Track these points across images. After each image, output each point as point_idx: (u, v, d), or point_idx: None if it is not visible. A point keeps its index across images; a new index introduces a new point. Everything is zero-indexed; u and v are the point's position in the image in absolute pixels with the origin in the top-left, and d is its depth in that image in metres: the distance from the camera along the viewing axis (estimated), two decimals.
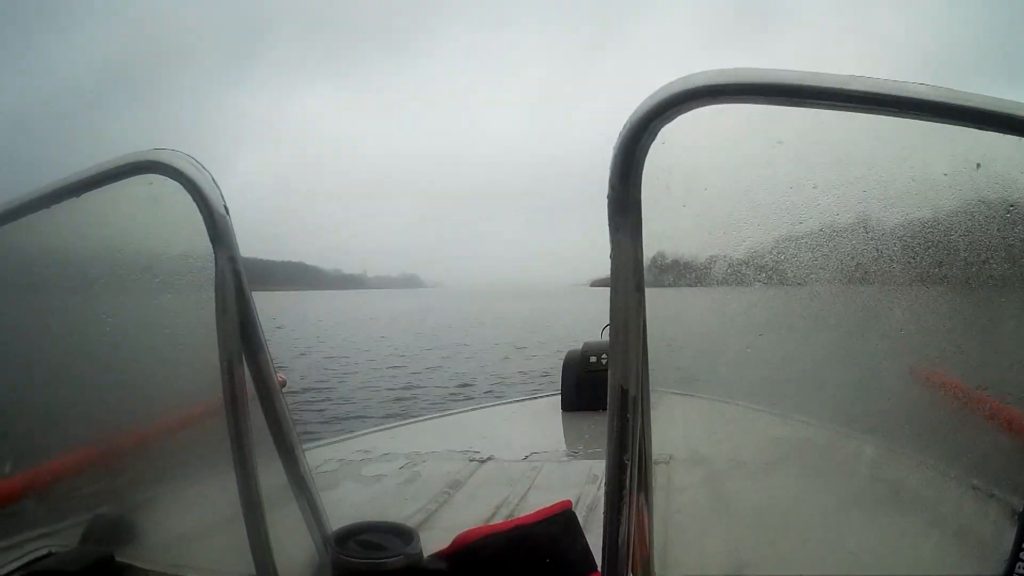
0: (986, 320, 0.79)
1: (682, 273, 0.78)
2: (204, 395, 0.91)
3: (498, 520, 1.42)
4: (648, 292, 0.70)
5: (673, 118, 0.65)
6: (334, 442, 2.36)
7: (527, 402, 3.32)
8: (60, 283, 1.06)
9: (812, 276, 0.76)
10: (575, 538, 0.89)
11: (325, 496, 0.96)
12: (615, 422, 0.71)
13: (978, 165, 0.70)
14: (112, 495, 1.14)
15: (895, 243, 0.74)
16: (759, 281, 0.77)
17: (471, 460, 2.00)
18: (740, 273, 0.76)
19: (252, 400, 0.88)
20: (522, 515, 0.93)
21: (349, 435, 2.51)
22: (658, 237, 0.71)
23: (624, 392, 0.70)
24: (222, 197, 0.85)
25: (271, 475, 0.90)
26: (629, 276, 0.68)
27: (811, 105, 0.66)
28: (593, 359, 2.96)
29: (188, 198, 0.85)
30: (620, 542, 0.74)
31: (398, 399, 9.55)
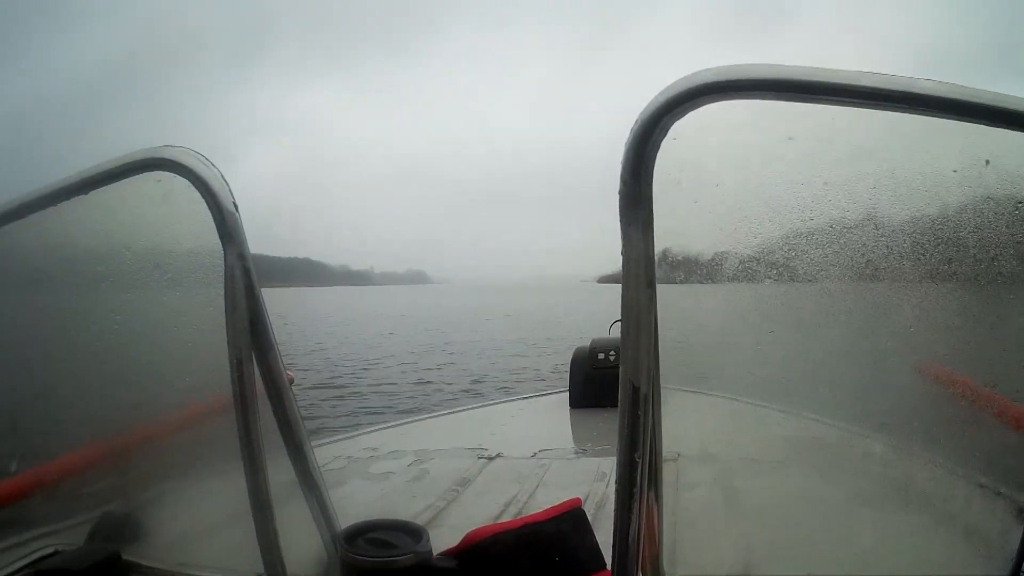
0: (995, 318, 0.79)
1: (692, 269, 0.78)
2: (213, 392, 0.91)
3: (507, 517, 1.42)
4: (659, 288, 0.70)
5: (684, 114, 0.65)
6: (341, 439, 2.35)
7: (535, 399, 3.30)
8: (69, 281, 1.06)
9: (822, 273, 0.76)
10: (584, 536, 0.89)
11: (333, 493, 0.96)
12: (626, 419, 0.71)
13: (987, 162, 0.70)
14: (119, 493, 1.14)
15: (905, 240, 0.74)
16: (769, 277, 0.77)
17: (479, 457, 1.99)
18: (750, 269, 0.77)
19: (261, 397, 0.88)
20: (531, 513, 0.93)
21: (356, 432, 2.51)
22: (669, 233, 0.71)
23: (635, 389, 0.70)
24: (231, 194, 0.85)
25: (280, 473, 0.90)
26: (640, 272, 0.68)
27: (822, 101, 0.66)
28: (601, 356, 2.94)
29: (197, 195, 0.85)
30: (630, 540, 0.74)
31: (411, 397, 9.55)
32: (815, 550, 0.83)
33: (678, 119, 0.66)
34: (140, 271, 0.99)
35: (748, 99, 0.66)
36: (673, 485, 0.82)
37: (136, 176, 0.88)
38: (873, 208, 0.74)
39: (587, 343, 3.07)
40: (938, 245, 0.74)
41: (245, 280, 0.84)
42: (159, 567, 1.04)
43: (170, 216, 0.91)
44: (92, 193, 0.92)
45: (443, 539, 0.93)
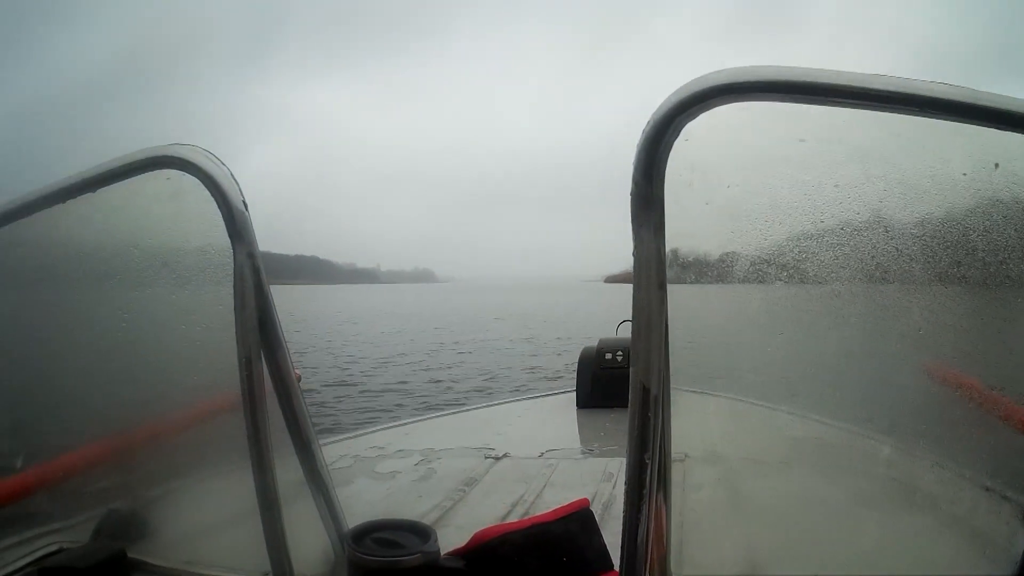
0: (1003, 321, 0.79)
1: (703, 270, 0.78)
2: (221, 390, 0.91)
3: (514, 517, 1.42)
4: (669, 289, 0.70)
5: (696, 115, 0.66)
6: (348, 438, 2.35)
7: (542, 399, 3.30)
8: (76, 278, 1.06)
9: (832, 274, 0.76)
10: (592, 536, 0.89)
11: (339, 492, 0.96)
12: (636, 420, 0.71)
13: (996, 165, 0.71)
14: (126, 490, 1.13)
15: (914, 242, 0.74)
16: (779, 279, 0.77)
17: (486, 457, 1.99)
18: (761, 271, 0.77)
19: (269, 396, 0.88)
20: (538, 513, 0.93)
21: (363, 431, 2.51)
22: (680, 234, 0.71)
23: (646, 390, 0.70)
24: (240, 192, 0.85)
25: (287, 471, 0.90)
26: (652, 273, 0.69)
27: (834, 103, 0.66)
28: (608, 356, 2.94)
29: (206, 193, 0.85)
30: (639, 540, 0.74)
31: (425, 396, 9.56)
32: (822, 551, 0.83)
33: (690, 120, 0.66)
34: (148, 269, 0.99)
35: (761, 101, 0.66)
36: (680, 486, 0.83)
37: (145, 174, 0.88)
38: (883, 211, 0.74)
39: (594, 343, 3.08)
40: (947, 248, 0.74)
41: (254, 278, 0.84)
42: (165, 565, 1.04)
43: (179, 214, 0.91)
44: (100, 191, 0.92)
45: (450, 539, 0.93)
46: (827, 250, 0.75)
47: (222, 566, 1.02)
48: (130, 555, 1.04)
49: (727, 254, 0.79)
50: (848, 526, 0.84)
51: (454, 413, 3.11)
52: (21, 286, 1.10)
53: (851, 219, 0.75)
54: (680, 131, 0.66)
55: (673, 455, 0.77)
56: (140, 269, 1.00)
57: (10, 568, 1.04)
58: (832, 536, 0.84)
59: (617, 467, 1.80)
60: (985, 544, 0.82)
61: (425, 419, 2.90)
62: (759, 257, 0.77)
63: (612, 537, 0.83)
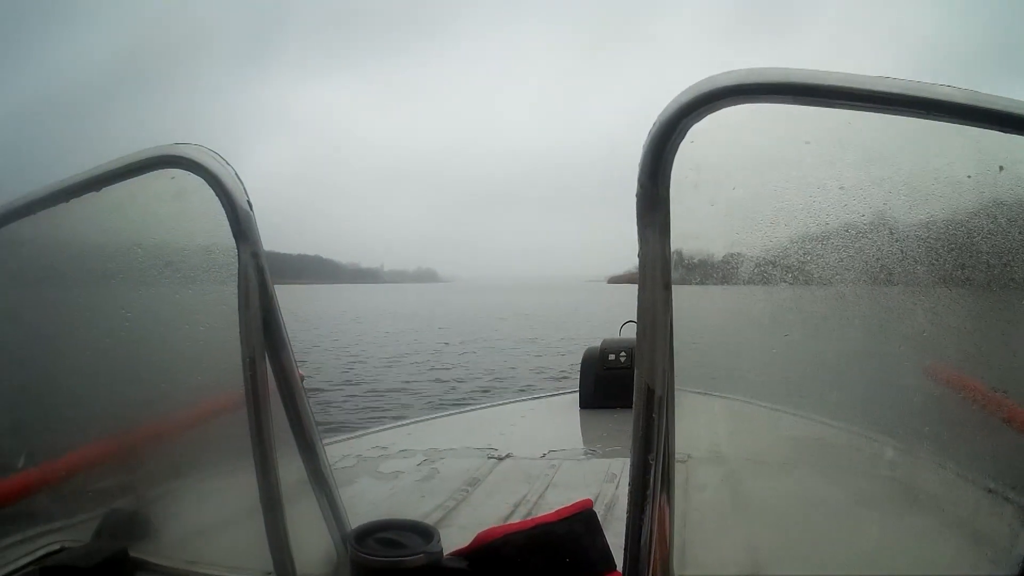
0: (1006, 323, 0.79)
1: (708, 272, 0.78)
2: (224, 390, 0.91)
3: (517, 518, 1.42)
4: (673, 290, 0.70)
5: (703, 117, 0.66)
6: (351, 438, 2.35)
7: (545, 399, 3.31)
8: (80, 278, 1.06)
9: (836, 276, 0.76)
10: (595, 537, 0.89)
11: (343, 492, 0.96)
12: (641, 421, 0.71)
13: (1001, 168, 0.71)
14: (128, 490, 1.13)
15: (918, 244, 0.75)
16: (784, 280, 0.77)
17: (489, 457, 1.99)
18: (765, 272, 0.77)
19: (272, 395, 0.88)
20: (541, 513, 0.93)
21: (366, 431, 2.51)
22: (685, 235, 0.71)
23: (650, 391, 0.70)
24: (245, 192, 0.85)
25: (290, 471, 0.90)
26: (657, 275, 0.69)
27: (840, 106, 0.66)
28: (612, 356, 2.94)
29: (211, 192, 0.85)
30: (642, 541, 0.74)
31: (431, 396, 9.58)
32: (825, 553, 0.83)
33: (696, 122, 0.66)
34: (152, 268, 0.99)
35: (767, 103, 0.66)
36: (684, 487, 0.83)
37: (150, 173, 0.88)
38: (887, 212, 0.74)
39: (598, 344, 3.08)
40: (951, 250, 0.74)
41: (258, 278, 0.84)
42: (167, 565, 1.04)
43: (183, 213, 0.91)
44: (105, 190, 0.92)
45: (453, 539, 0.93)
46: (831, 252, 0.76)
47: (224, 566, 1.02)
48: (132, 554, 1.04)
49: (732, 255, 0.79)
50: (851, 527, 0.84)
51: (457, 413, 3.11)
52: (25, 285, 1.10)
53: (856, 221, 0.75)
54: (686, 132, 0.66)
55: (677, 456, 0.77)
56: (144, 268, 1.00)
57: (12, 567, 1.04)
58: (835, 537, 0.84)
59: (620, 468, 1.80)
60: (987, 546, 0.82)
61: (428, 419, 2.90)
62: (764, 258, 0.77)
63: (615, 538, 0.83)
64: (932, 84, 0.66)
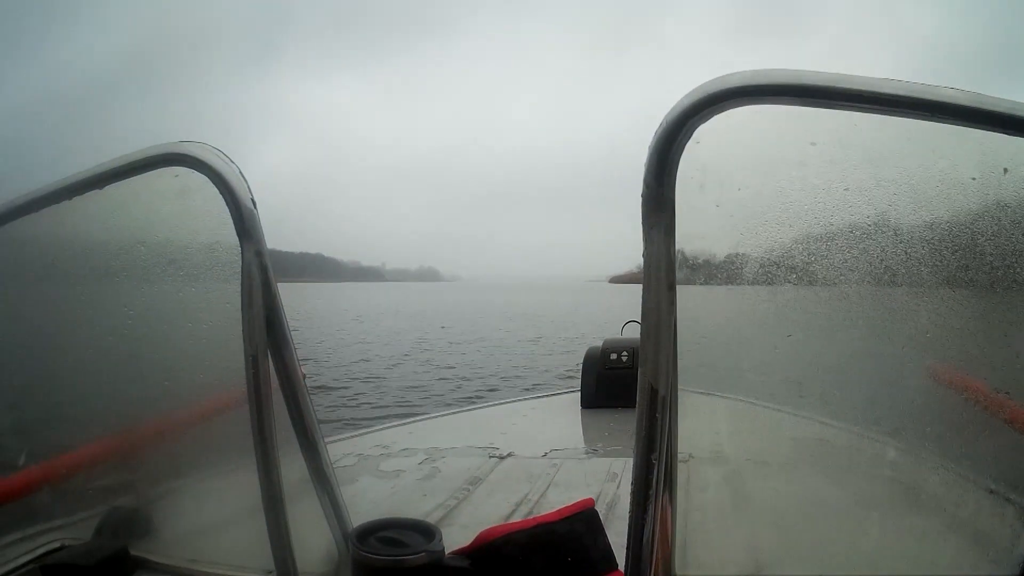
0: (1009, 324, 0.79)
1: (712, 272, 0.78)
2: (227, 388, 0.91)
3: (518, 517, 1.42)
4: (678, 290, 0.70)
5: (709, 118, 0.66)
6: (352, 436, 2.35)
7: (546, 399, 3.30)
8: (83, 275, 1.06)
9: (841, 277, 0.76)
10: (597, 536, 0.89)
11: (344, 491, 0.96)
12: (644, 421, 0.71)
13: (1005, 170, 0.71)
14: (129, 487, 1.13)
15: (922, 246, 0.75)
16: (788, 281, 0.77)
17: (491, 456, 1.99)
18: (770, 273, 0.77)
19: (275, 394, 0.88)
20: (543, 512, 0.93)
21: (367, 430, 2.51)
22: (690, 236, 0.71)
23: (654, 391, 0.70)
24: (249, 190, 0.85)
25: (292, 470, 0.90)
26: (662, 275, 0.69)
27: (846, 107, 0.66)
28: (613, 356, 2.93)
29: (215, 191, 0.85)
30: (644, 541, 0.74)
31: (439, 394, 9.58)
32: (827, 553, 0.84)
33: (703, 122, 0.66)
34: (155, 266, 0.99)
35: (773, 104, 0.66)
36: (686, 487, 0.83)
37: (154, 171, 0.88)
38: (893, 214, 0.75)
39: (599, 343, 3.08)
40: (955, 251, 0.74)
41: (262, 276, 0.84)
42: (168, 563, 1.03)
43: (186, 211, 0.91)
44: (108, 187, 0.92)
45: (454, 537, 0.93)
46: (836, 253, 0.76)
47: (225, 564, 1.02)
48: (133, 552, 1.04)
49: (736, 256, 0.79)
50: (853, 527, 0.84)
51: (458, 412, 3.11)
52: (27, 282, 1.10)
53: (860, 222, 0.75)
54: (692, 133, 0.66)
55: (679, 455, 0.77)
56: (147, 266, 1.00)
57: (12, 565, 1.04)
58: (837, 537, 0.84)
59: (621, 467, 1.80)
60: (988, 546, 0.82)
61: (429, 418, 2.90)
62: (768, 259, 0.78)
63: (616, 537, 0.84)
64: (937, 86, 0.66)
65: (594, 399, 2.88)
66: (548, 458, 1.99)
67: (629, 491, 0.74)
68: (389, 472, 1.90)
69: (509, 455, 2.01)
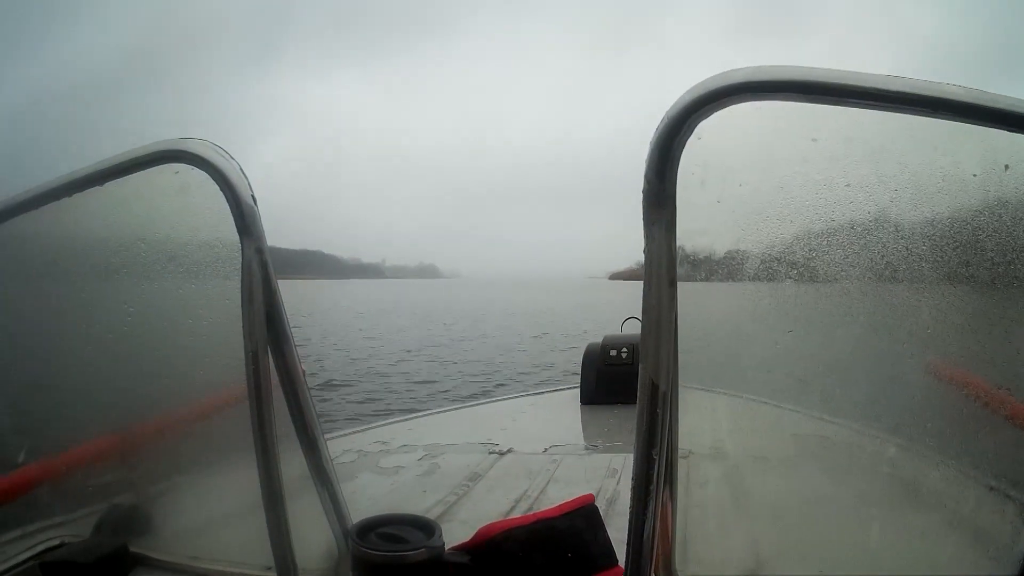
0: (1010, 321, 0.80)
1: (713, 268, 0.78)
2: (227, 385, 0.91)
3: (518, 513, 1.42)
4: (679, 286, 0.70)
5: (710, 113, 0.66)
6: (352, 433, 2.36)
7: (546, 395, 3.31)
8: (83, 272, 1.06)
9: (842, 273, 0.76)
10: (597, 532, 0.89)
11: (344, 487, 0.96)
12: (644, 416, 0.71)
13: (1007, 167, 0.71)
14: (129, 485, 1.13)
15: (923, 242, 0.75)
16: (789, 278, 0.77)
17: (490, 452, 2.00)
18: (771, 269, 0.77)
19: (275, 390, 0.88)
20: (543, 508, 0.93)
21: (367, 426, 2.51)
22: (691, 232, 0.71)
23: (654, 387, 0.70)
24: (250, 187, 0.85)
25: (292, 466, 0.90)
26: (663, 271, 0.69)
27: (848, 104, 0.66)
28: (613, 352, 2.94)
29: (215, 187, 0.85)
30: (645, 537, 0.74)
31: (446, 390, 9.58)
32: (827, 550, 0.84)
33: (704, 119, 0.66)
34: (156, 263, 0.99)
35: (774, 100, 0.66)
36: (686, 483, 0.83)
37: (154, 167, 0.88)
38: (894, 211, 0.75)
39: (599, 339, 3.08)
40: (956, 248, 0.74)
41: (262, 273, 0.84)
42: (167, 560, 1.03)
43: (187, 208, 0.91)
44: (108, 184, 0.91)
45: (454, 533, 0.93)
46: (837, 249, 0.76)
47: (225, 560, 1.02)
48: (132, 549, 1.04)
49: (737, 252, 0.79)
50: (853, 524, 0.85)
51: (458, 408, 3.12)
52: (27, 279, 1.09)
53: (861, 218, 0.75)
54: (694, 129, 0.66)
55: (679, 451, 0.78)
56: (147, 263, 0.99)
57: (12, 562, 1.04)
58: (837, 534, 0.84)
59: (621, 463, 1.81)
60: (989, 543, 0.82)
61: (429, 414, 2.91)
62: (769, 255, 0.77)
63: (616, 533, 0.84)
64: (939, 83, 0.66)
65: (594, 395, 2.88)
66: (548, 454, 1.99)
67: (629, 487, 0.74)
68: (389, 468, 1.90)
69: (509, 451, 2.02)
